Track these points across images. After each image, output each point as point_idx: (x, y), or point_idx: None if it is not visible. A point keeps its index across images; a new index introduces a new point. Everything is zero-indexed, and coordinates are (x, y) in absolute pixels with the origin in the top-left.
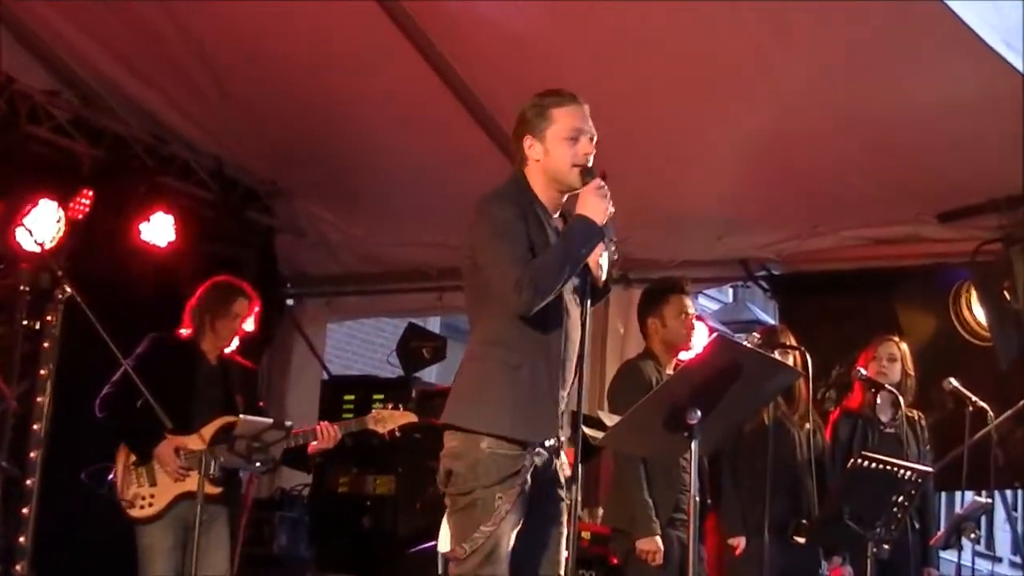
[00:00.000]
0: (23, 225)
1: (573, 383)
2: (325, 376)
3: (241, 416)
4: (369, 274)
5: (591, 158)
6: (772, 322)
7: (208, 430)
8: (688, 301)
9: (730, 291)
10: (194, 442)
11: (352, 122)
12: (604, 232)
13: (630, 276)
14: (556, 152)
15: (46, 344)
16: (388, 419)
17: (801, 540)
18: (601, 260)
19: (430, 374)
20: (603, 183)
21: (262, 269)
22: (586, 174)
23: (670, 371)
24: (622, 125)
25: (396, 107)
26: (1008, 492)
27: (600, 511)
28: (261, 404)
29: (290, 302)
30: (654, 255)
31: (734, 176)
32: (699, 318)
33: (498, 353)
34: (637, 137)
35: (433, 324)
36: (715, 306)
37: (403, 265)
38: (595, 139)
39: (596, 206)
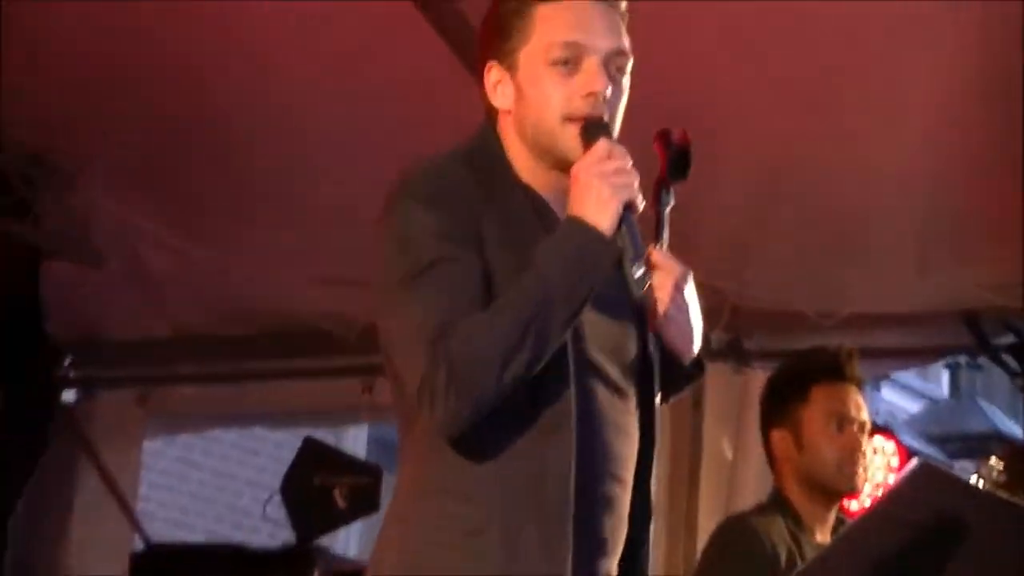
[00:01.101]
0: None
1: (620, 547)
2: (139, 543)
3: None
4: (229, 340)
5: (605, 102)
6: None
7: None
8: (855, 396)
9: (944, 375)
10: None
11: (210, 48)
12: (614, 245)
13: (746, 345)
14: (535, 92)
15: None
16: None
17: None
18: (687, 310)
19: (347, 539)
20: (615, 147)
21: (12, 328)
22: (589, 132)
23: (821, 537)
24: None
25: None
26: None
27: None
28: None
29: (69, 395)
30: (792, 303)
31: (942, 143)
32: (882, 431)
33: (440, 507)
34: (750, 94)
35: (355, 439)
36: (915, 405)
37: (296, 322)
38: (623, 65)
39: (598, 196)
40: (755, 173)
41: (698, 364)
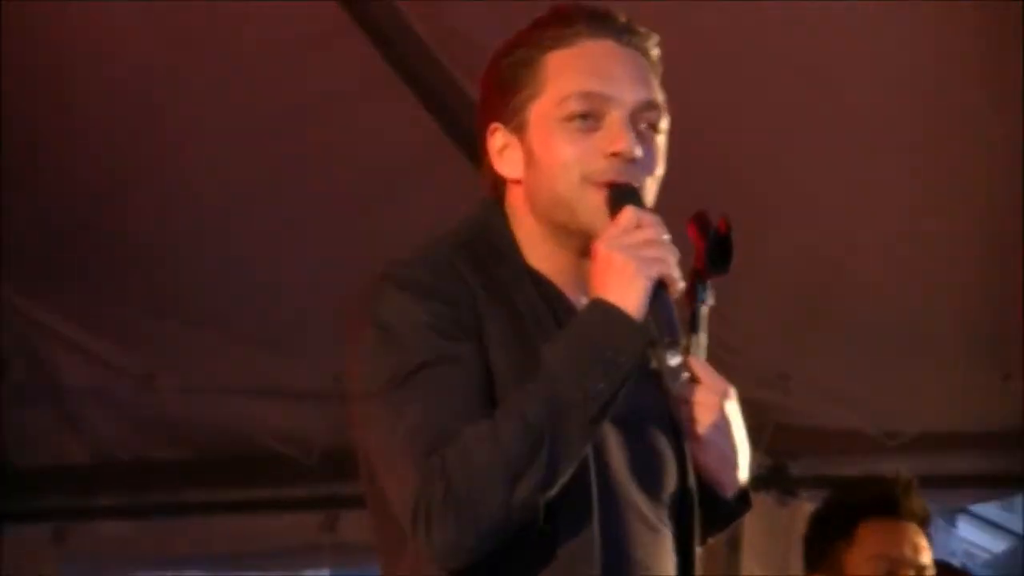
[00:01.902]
0: None
1: None
2: None
3: None
4: (160, 466)
5: (634, 164)
6: None
7: None
8: (913, 536)
9: None
10: None
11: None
12: (644, 330)
13: (791, 470)
14: (548, 153)
15: None
16: None
17: None
18: (732, 437)
19: None
20: (645, 215)
21: None
22: (616, 199)
23: None
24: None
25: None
26: None
27: None
28: None
29: None
30: (848, 420)
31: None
32: (957, 574)
33: None
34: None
35: None
36: (998, 544)
37: (242, 444)
38: (656, 121)
39: (623, 271)
40: (804, 266)
41: (743, 497)
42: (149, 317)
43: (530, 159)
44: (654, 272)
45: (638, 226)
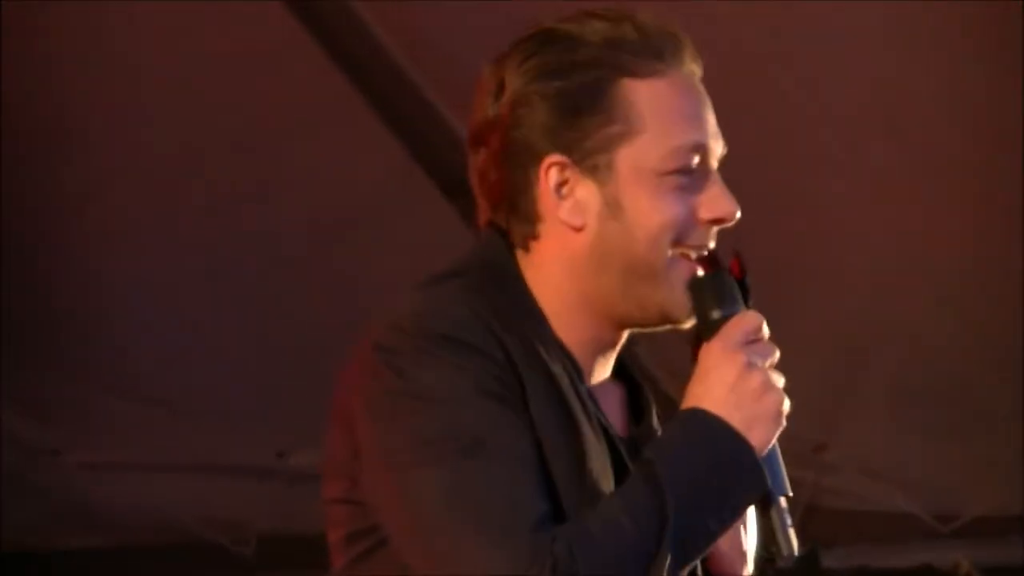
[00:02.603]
0: None
1: None
2: None
3: None
4: (75, 556)
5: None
6: None
7: None
8: None
9: None
10: None
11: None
12: (771, 483)
13: (825, 560)
14: (644, 209)
15: None
16: None
17: None
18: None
19: None
20: (762, 323)
21: None
22: (710, 287)
23: None
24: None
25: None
26: None
27: None
28: None
29: None
30: (891, 501)
31: None
32: None
33: None
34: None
35: None
36: None
37: (170, 531)
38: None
39: (761, 404)
40: (844, 322)
41: None
42: (56, 384)
43: (613, 211)
44: (785, 410)
45: (759, 340)
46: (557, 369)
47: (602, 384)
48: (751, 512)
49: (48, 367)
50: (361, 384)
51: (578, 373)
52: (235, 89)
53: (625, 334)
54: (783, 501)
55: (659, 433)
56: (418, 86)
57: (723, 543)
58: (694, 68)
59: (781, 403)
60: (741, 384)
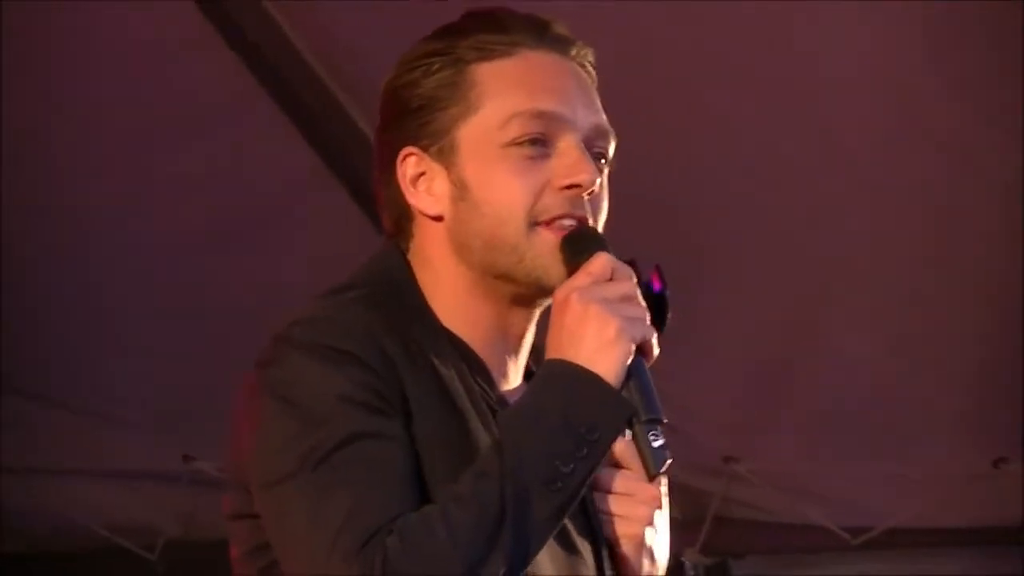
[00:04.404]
0: None
1: None
2: None
3: None
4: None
5: (590, 198)
6: None
7: None
8: None
9: None
10: None
11: None
12: (629, 408)
13: (735, 572)
14: (488, 185)
15: None
16: None
17: None
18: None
19: None
20: (619, 266)
21: None
22: (578, 242)
23: None
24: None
25: None
26: None
27: None
28: None
29: None
30: (803, 513)
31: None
32: None
33: None
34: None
35: None
36: None
37: (75, 537)
38: (606, 150)
39: (601, 329)
40: (763, 333)
41: None
42: None
43: (461, 192)
44: (638, 334)
45: (611, 278)
46: (447, 372)
47: (514, 383)
48: (666, 542)
49: None
50: (247, 399)
51: (483, 372)
52: (138, 83)
53: (529, 321)
54: (659, 423)
55: None
56: (328, 87)
57: (627, 570)
58: (565, 51)
59: (618, 326)
60: (573, 321)
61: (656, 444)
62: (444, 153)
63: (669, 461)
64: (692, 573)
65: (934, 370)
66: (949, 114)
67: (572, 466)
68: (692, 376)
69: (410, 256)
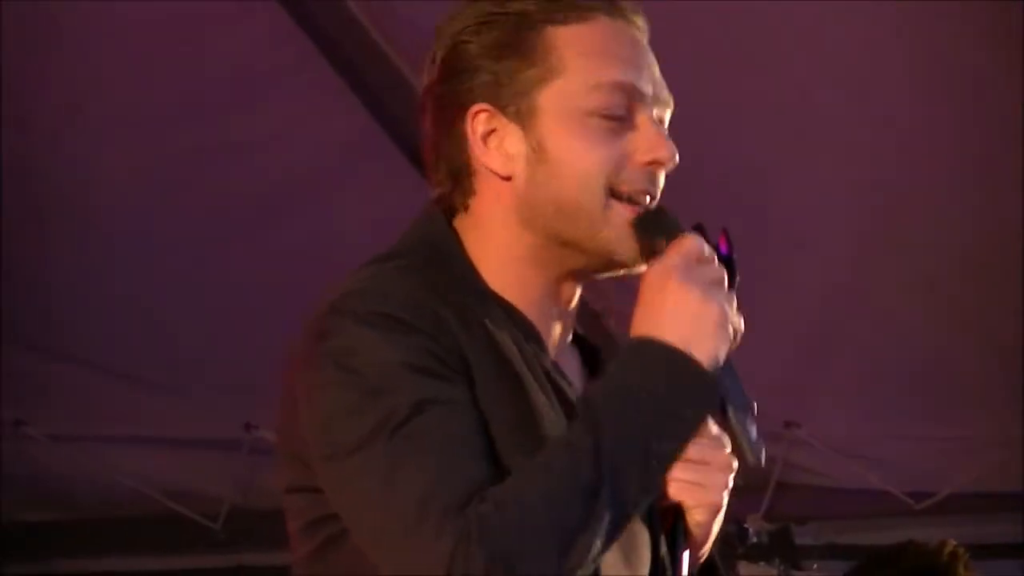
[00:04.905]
0: None
1: None
2: None
3: None
4: (38, 530)
5: (661, 179)
6: None
7: None
8: None
9: None
10: None
11: None
12: (718, 389)
13: (798, 539)
14: (569, 150)
15: None
16: None
17: None
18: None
19: None
20: (707, 246)
21: None
22: (656, 224)
23: None
24: None
25: None
26: None
27: None
28: None
29: None
30: (865, 479)
31: None
32: None
33: None
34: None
35: None
36: None
37: (133, 505)
38: (666, 125)
39: (703, 315)
40: (818, 297)
41: (710, 570)
42: (15, 352)
43: (538, 155)
44: (735, 323)
45: (700, 262)
46: (503, 338)
47: (563, 349)
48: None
49: (9, 338)
50: (302, 370)
51: (535, 338)
52: (195, 51)
53: (578, 288)
54: (738, 415)
55: None
56: (387, 54)
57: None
58: (633, 20)
59: (723, 315)
60: (676, 302)
61: (754, 434)
62: (522, 115)
63: (764, 452)
64: (756, 539)
65: (988, 334)
66: (1006, 87)
67: (667, 445)
68: (750, 340)
69: (460, 217)
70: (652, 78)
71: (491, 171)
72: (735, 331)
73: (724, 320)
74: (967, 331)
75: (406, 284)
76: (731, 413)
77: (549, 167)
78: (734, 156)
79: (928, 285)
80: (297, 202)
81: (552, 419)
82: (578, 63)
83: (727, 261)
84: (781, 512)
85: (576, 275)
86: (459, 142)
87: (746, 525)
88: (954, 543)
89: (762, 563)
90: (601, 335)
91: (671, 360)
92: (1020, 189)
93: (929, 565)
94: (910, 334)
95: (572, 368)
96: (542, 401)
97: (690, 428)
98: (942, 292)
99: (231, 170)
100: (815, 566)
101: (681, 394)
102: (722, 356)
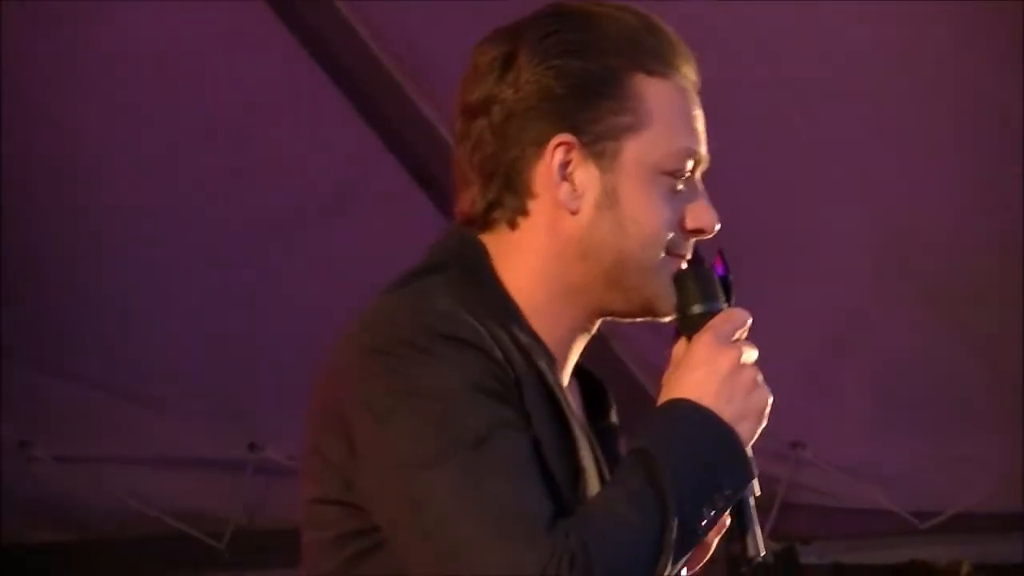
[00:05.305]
0: None
1: None
2: None
3: None
4: (41, 551)
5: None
6: None
7: None
8: None
9: None
10: None
11: None
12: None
13: (803, 558)
14: (643, 205)
15: None
16: None
17: None
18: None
19: None
20: (748, 320)
21: None
22: (695, 279)
23: None
24: None
25: None
26: None
27: None
28: None
29: None
30: (870, 497)
31: None
32: None
33: None
34: None
35: None
36: None
37: (140, 525)
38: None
39: (747, 398)
40: (824, 316)
41: None
42: (18, 372)
43: (610, 201)
44: (769, 408)
45: (733, 330)
46: (543, 364)
47: (571, 389)
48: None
49: (12, 358)
50: (358, 385)
51: (556, 365)
52: (200, 72)
53: (598, 324)
54: (752, 502)
55: (618, 429)
56: (391, 75)
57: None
58: (696, 80)
59: (767, 401)
60: (733, 378)
61: (758, 527)
62: (604, 156)
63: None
64: (760, 559)
65: (996, 353)
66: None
67: (709, 515)
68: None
69: (497, 235)
70: (705, 142)
71: (558, 202)
72: (767, 413)
73: (766, 407)
74: (973, 351)
75: (456, 301)
76: (750, 503)
77: (617, 216)
78: (738, 175)
79: (934, 304)
80: (303, 224)
81: (584, 445)
82: (664, 122)
83: (723, 281)
84: (786, 532)
85: (609, 314)
86: (529, 164)
87: (744, 552)
88: (969, 565)
89: None
90: (607, 356)
91: (725, 439)
92: None
93: None
94: (916, 354)
95: (573, 395)
96: (576, 425)
97: (728, 504)
98: (948, 311)
99: (237, 191)
100: None
101: (730, 474)
102: (753, 439)
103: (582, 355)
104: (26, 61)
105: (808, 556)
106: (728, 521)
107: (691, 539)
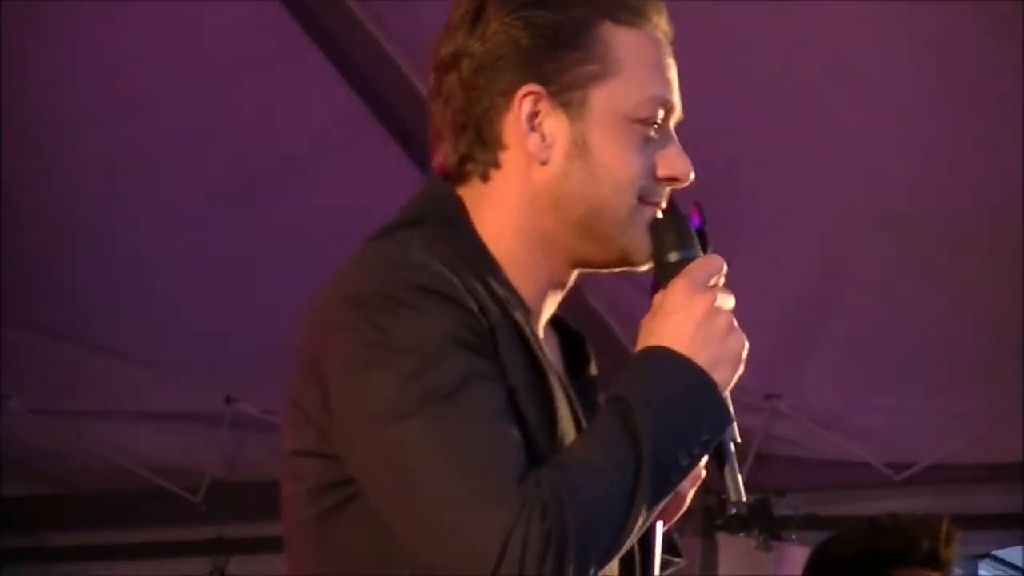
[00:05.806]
0: None
1: None
2: None
3: None
4: (20, 504)
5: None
6: None
7: None
8: None
9: None
10: None
11: None
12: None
13: (776, 509)
14: (612, 153)
15: None
16: None
17: None
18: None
19: None
20: (723, 266)
21: None
22: (670, 228)
23: None
24: None
25: None
26: None
27: None
28: None
29: None
30: (845, 449)
31: None
32: None
33: None
34: None
35: None
36: None
37: (116, 478)
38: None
39: (724, 342)
40: (800, 269)
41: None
42: (3, 329)
43: (580, 151)
44: (744, 354)
45: (710, 273)
46: (519, 316)
47: (545, 330)
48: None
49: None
50: (334, 337)
51: (531, 316)
52: (187, 31)
53: (574, 276)
54: (732, 447)
55: (597, 381)
56: (375, 36)
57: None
58: (667, 31)
59: (743, 345)
60: (708, 324)
61: (738, 471)
62: (571, 106)
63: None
64: (734, 511)
65: (973, 307)
66: (995, 65)
67: (686, 462)
68: (734, 312)
69: (471, 187)
70: (677, 93)
71: (528, 153)
72: (743, 358)
73: (742, 352)
74: (954, 303)
75: (434, 254)
76: (730, 449)
77: (588, 165)
78: (726, 127)
79: (915, 256)
80: (279, 182)
81: (560, 395)
82: (634, 70)
83: (700, 233)
84: (760, 483)
85: (585, 264)
86: (498, 115)
87: (724, 496)
88: (941, 518)
89: (741, 534)
90: (580, 307)
91: (701, 383)
92: (1018, 164)
93: (914, 539)
94: (895, 306)
95: (551, 347)
96: (553, 376)
97: (705, 450)
98: (929, 263)
99: (217, 149)
100: (794, 537)
101: (707, 419)
102: (731, 385)
103: (559, 308)
104: (26, 61)
105: (782, 508)
106: (704, 473)
107: (666, 486)
